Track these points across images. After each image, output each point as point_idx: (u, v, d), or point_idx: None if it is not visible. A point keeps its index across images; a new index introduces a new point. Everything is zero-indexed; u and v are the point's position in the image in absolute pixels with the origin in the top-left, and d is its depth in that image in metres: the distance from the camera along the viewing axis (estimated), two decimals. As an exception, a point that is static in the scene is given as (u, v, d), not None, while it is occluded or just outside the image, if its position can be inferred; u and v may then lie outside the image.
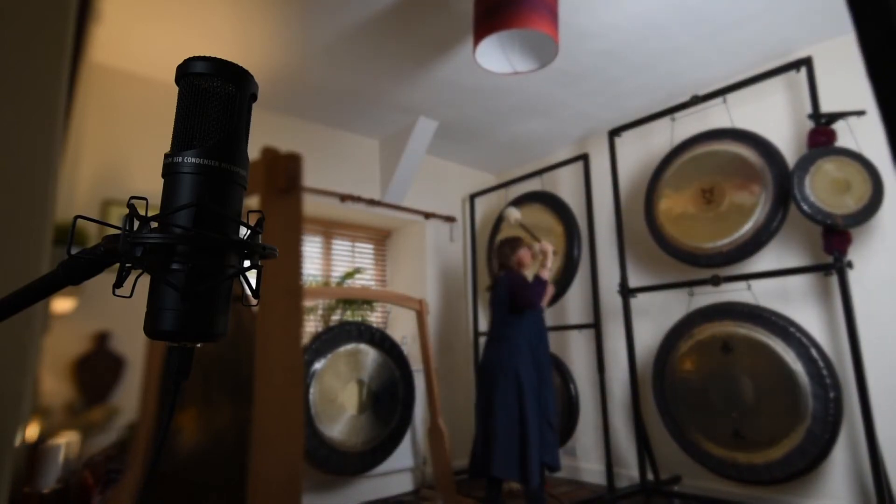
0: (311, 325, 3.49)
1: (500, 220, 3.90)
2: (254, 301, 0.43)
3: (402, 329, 3.87)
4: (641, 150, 3.43)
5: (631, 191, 3.45)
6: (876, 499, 2.11)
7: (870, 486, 2.33)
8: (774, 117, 2.83)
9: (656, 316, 3.20)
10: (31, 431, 1.93)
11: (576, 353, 3.65)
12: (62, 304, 2.32)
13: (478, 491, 3.14)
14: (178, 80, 0.41)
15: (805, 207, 2.34)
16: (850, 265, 2.31)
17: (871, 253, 2.48)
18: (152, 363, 1.90)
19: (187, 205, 0.38)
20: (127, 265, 0.38)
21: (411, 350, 3.64)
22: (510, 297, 2.53)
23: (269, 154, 1.63)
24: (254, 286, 0.42)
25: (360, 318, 3.60)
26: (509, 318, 2.55)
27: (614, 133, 3.25)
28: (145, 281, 0.39)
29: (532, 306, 2.50)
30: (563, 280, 3.42)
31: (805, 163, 2.38)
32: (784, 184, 2.51)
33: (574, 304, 3.70)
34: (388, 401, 3.14)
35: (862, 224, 2.28)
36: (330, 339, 2.99)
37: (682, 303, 2.96)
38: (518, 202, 3.81)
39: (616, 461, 3.25)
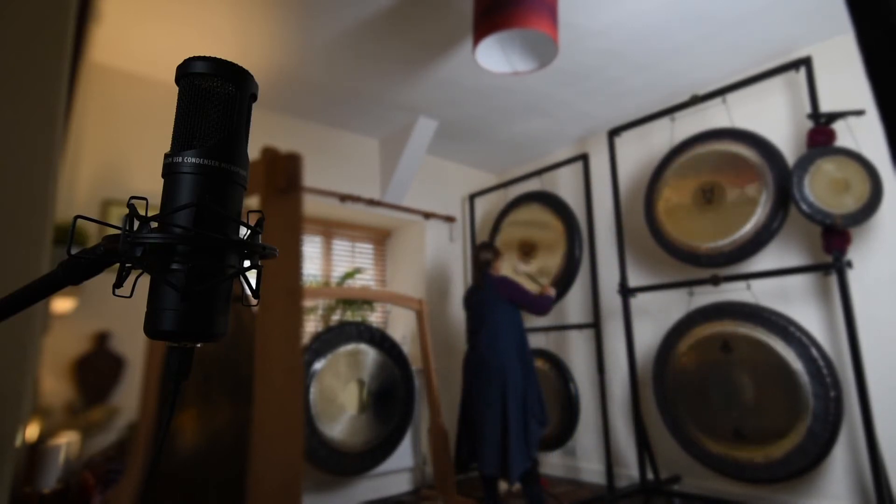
0: (312, 325, 3.49)
1: (499, 220, 3.90)
2: (254, 301, 0.43)
3: (402, 329, 3.87)
4: (641, 150, 3.43)
5: (631, 190, 3.45)
6: (876, 498, 2.11)
7: (870, 486, 2.33)
8: (774, 117, 2.84)
9: (656, 316, 3.20)
10: (31, 431, 1.94)
11: (576, 352, 3.66)
12: (62, 304, 2.32)
13: (478, 491, 3.14)
14: (178, 80, 0.41)
15: (804, 207, 2.34)
16: (849, 265, 2.31)
17: (870, 252, 2.48)
18: (152, 363, 1.90)
19: (187, 205, 0.38)
20: (127, 265, 0.38)
21: (411, 350, 3.64)
22: (515, 301, 2.71)
23: (269, 154, 1.63)
24: (254, 286, 0.41)
25: (360, 318, 3.60)
26: (503, 316, 2.66)
27: (614, 133, 3.25)
28: (145, 281, 0.39)
29: (544, 313, 2.78)
30: (564, 280, 3.42)
31: (804, 162, 2.38)
32: (784, 183, 2.51)
33: (574, 304, 3.70)
34: (389, 401, 3.14)
35: (861, 224, 2.28)
36: (330, 338, 2.99)
37: (682, 302, 2.96)
38: (518, 202, 3.82)
39: (616, 461, 3.25)
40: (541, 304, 2.73)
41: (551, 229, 3.55)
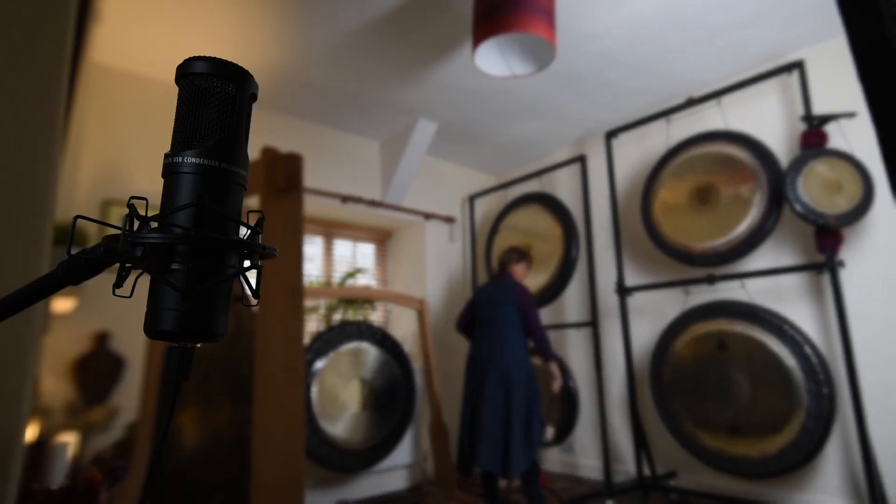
0: (313, 325, 3.50)
1: (498, 220, 3.91)
2: (254, 301, 0.43)
3: (403, 328, 3.87)
4: (638, 152, 3.44)
5: (628, 191, 3.46)
6: (867, 492, 2.13)
7: (861, 480, 2.34)
8: (768, 119, 2.85)
9: (653, 314, 3.21)
10: (31, 432, 1.94)
11: (574, 351, 3.67)
12: (62, 304, 2.32)
13: (478, 488, 3.15)
14: (178, 80, 0.41)
15: (798, 207, 2.35)
16: (841, 264, 2.33)
17: (862, 252, 2.50)
18: (152, 363, 1.91)
19: (187, 205, 0.38)
20: (127, 265, 0.38)
21: (412, 348, 3.65)
22: (524, 314, 2.65)
23: (269, 154, 1.64)
24: (254, 286, 0.41)
25: (361, 318, 3.61)
26: (512, 318, 2.65)
27: (611, 134, 3.26)
28: (145, 281, 0.39)
29: (544, 341, 2.65)
30: (561, 279, 3.44)
31: (798, 164, 2.40)
32: (777, 184, 2.52)
33: (572, 303, 3.72)
34: (390, 399, 3.14)
35: (853, 223, 2.29)
36: (332, 338, 3.00)
37: (678, 301, 2.97)
38: (517, 203, 3.83)
39: (614, 457, 3.27)
40: (544, 333, 2.66)
41: (549, 229, 3.56)
